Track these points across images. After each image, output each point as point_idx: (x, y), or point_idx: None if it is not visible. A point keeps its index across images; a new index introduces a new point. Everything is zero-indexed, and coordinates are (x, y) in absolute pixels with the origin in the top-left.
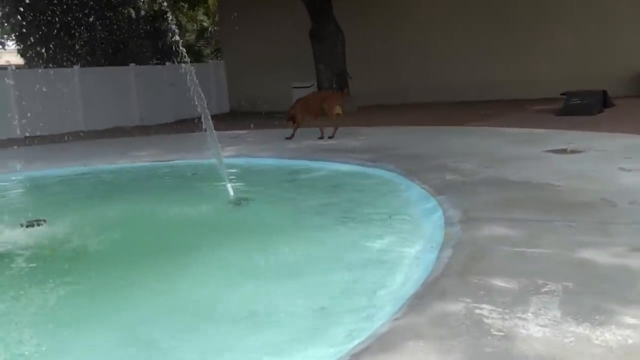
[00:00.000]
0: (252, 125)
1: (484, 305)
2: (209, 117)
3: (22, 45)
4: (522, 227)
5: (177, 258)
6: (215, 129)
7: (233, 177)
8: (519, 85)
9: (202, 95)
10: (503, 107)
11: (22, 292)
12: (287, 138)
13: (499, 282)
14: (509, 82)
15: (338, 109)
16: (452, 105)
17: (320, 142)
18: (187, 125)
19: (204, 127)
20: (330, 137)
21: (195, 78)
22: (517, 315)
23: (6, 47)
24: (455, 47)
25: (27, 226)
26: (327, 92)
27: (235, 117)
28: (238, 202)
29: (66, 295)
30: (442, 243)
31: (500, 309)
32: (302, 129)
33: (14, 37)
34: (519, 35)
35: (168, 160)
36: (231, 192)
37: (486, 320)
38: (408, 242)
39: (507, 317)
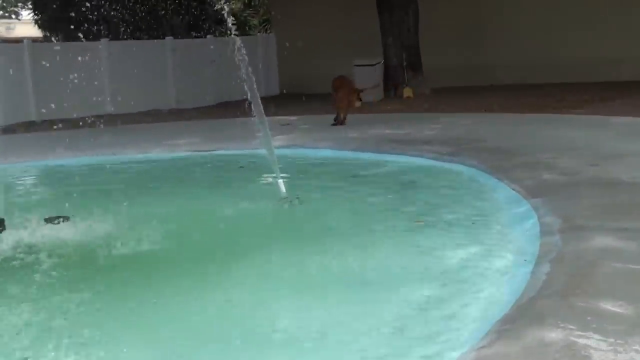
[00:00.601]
0: (306, 110)
1: (592, 335)
2: (259, 100)
3: (39, 15)
4: (637, 240)
5: (221, 264)
6: (264, 114)
7: (285, 171)
8: (632, 64)
9: (250, 73)
10: (610, 90)
11: (36, 302)
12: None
13: (609, 307)
14: (619, 60)
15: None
16: (546, 87)
17: (388, 131)
18: (231, 109)
19: (251, 111)
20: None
21: (243, 53)
22: (634, 347)
23: (20, 17)
24: (553, 16)
25: (48, 222)
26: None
27: (287, 100)
28: (291, 200)
29: (93, 304)
30: (538, 256)
31: (611, 339)
32: (367, 115)
33: (30, 6)
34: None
35: (209, 150)
36: (283, 189)
37: (594, 353)
38: (495, 253)
39: (621, 349)
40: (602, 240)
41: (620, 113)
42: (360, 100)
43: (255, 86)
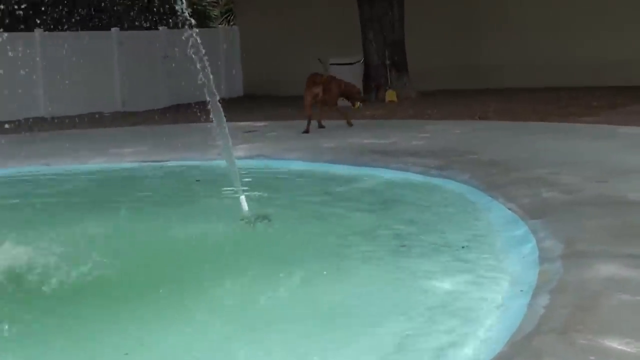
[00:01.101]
0: (273, 115)
1: None
2: (219, 103)
3: None
4: None
5: (169, 297)
6: (226, 120)
7: (249, 185)
8: None
9: (209, 72)
10: (619, 96)
11: None
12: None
13: (615, 344)
14: (630, 62)
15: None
16: (548, 92)
17: (369, 141)
18: (186, 113)
19: (210, 116)
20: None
21: (200, 48)
22: None
23: None
24: (557, 13)
25: None
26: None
27: (252, 103)
28: (255, 220)
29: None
30: (536, 286)
31: None
32: (344, 121)
33: None
34: None
35: (161, 161)
36: (245, 207)
37: None
38: (488, 282)
39: None
40: (608, 268)
41: (631, 122)
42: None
43: (214, 87)
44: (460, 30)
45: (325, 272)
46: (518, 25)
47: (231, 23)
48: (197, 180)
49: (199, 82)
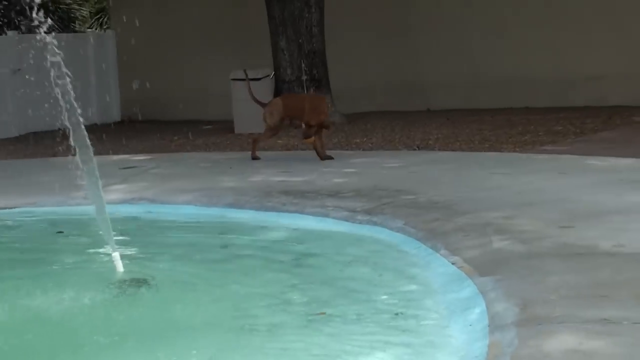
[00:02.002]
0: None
1: None
2: (84, 131)
3: None
4: (622, 335)
5: None
6: (96, 153)
7: (126, 238)
8: (620, 83)
9: (73, 91)
10: (588, 118)
11: None
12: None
13: None
14: (601, 78)
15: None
16: (501, 114)
17: (279, 178)
18: (43, 144)
19: (73, 147)
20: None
21: (61, 60)
22: None
23: None
24: (513, 20)
25: None
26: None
27: (132, 131)
28: (131, 285)
29: None
30: None
31: None
32: (248, 153)
33: None
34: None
35: (8, 207)
36: (120, 267)
37: None
38: (424, 359)
39: None
40: (573, 338)
41: (602, 152)
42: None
43: (81, 110)
44: (396, 39)
45: (220, 352)
46: (465, 34)
47: (104, 26)
48: (58, 232)
49: (62, 104)
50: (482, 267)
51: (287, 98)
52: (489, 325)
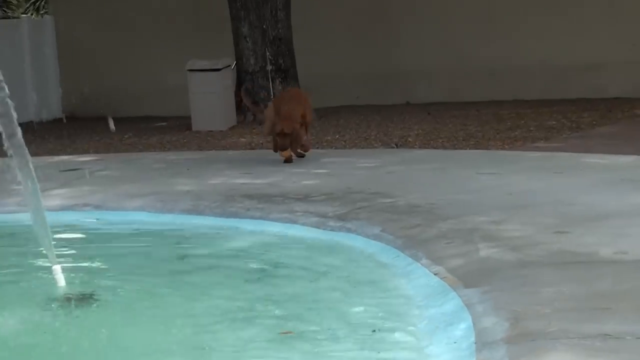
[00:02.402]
0: (106, 144)
1: None
2: (17, 130)
3: None
4: (625, 352)
5: None
6: (32, 154)
7: (68, 249)
8: (620, 73)
9: (5, 84)
10: (584, 112)
11: None
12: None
13: None
14: (598, 67)
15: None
16: (488, 108)
17: (242, 181)
18: None
19: (5, 148)
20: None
21: None
22: None
23: None
24: (500, 5)
25: None
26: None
27: (75, 128)
28: (73, 302)
29: None
30: None
31: None
32: (208, 153)
33: None
34: None
35: None
36: (61, 282)
37: None
38: None
39: None
40: (572, 355)
41: (601, 149)
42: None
43: (15, 105)
44: (372, 25)
45: None
46: (449, 20)
47: (41, 11)
48: None
49: None
50: (467, 278)
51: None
52: (475, 343)
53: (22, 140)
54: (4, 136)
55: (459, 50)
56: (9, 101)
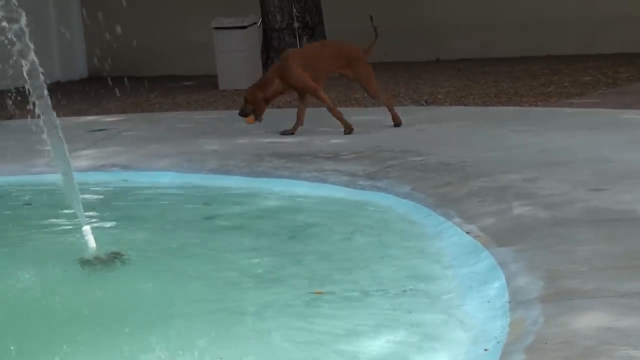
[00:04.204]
0: (132, 104)
1: None
2: (45, 90)
3: None
4: None
5: None
6: (59, 114)
7: (96, 210)
8: None
9: (30, 43)
10: (621, 67)
11: None
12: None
13: None
14: (637, 20)
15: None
16: (520, 63)
17: (269, 140)
18: None
19: (35, 109)
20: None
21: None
22: None
23: None
24: None
25: None
26: (347, 44)
27: (101, 89)
28: (103, 262)
29: None
30: (507, 343)
31: None
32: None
33: None
34: None
35: None
36: (91, 242)
37: None
38: (438, 340)
39: None
40: (605, 315)
41: (638, 105)
42: None
43: (38, 65)
44: None
45: (203, 339)
46: None
47: None
48: (26, 205)
49: (16, 59)
50: (500, 237)
51: None
52: (509, 302)
53: (49, 101)
54: (32, 97)
55: (490, 4)
56: (36, 61)
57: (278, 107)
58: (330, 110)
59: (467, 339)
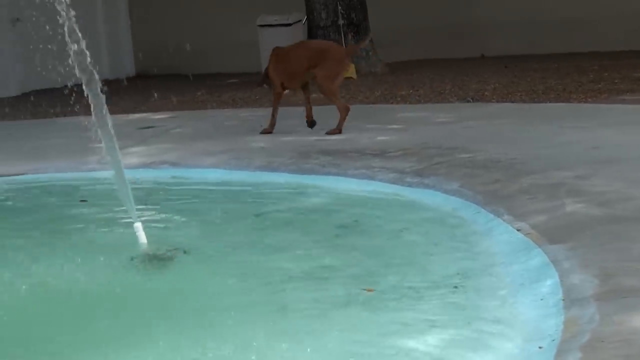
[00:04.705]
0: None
1: None
2: (98, 87)
3: None
4: None
5: None
6: (110, 112)
7: (146, 207)
8: None
9: (83, 41)
10: None
11: None
12: (263, 131)
13: None
14: None
15: (349, 71)
16: (568, 60)
17: (316, 137)
18: (50, 102)
19: (87, 106)
20: (332, 132)
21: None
22: None
23: None
24: None
25: None
26: (326, 42)
27: (149, 86)
28: (155, 258)
29: None
30: (561, 341)
31: None
32: (283, 110)
33: None
34: None
35: (12, 174)
36: (142, 239)
37: None
38: (492, 338)
39: None
40: None
41: None
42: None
43: (92, 64)
44: None
45: (255, 335)
46: None
47: None
48: (82, 201)
49: (67, 56)
50: (552, 234)
51: None
52: (563, 300)
53: (103, 99)
54: (85, 95)
55: (537, 0)
56: (89, 58)
57: (320, 105)
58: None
59: (520, 336)
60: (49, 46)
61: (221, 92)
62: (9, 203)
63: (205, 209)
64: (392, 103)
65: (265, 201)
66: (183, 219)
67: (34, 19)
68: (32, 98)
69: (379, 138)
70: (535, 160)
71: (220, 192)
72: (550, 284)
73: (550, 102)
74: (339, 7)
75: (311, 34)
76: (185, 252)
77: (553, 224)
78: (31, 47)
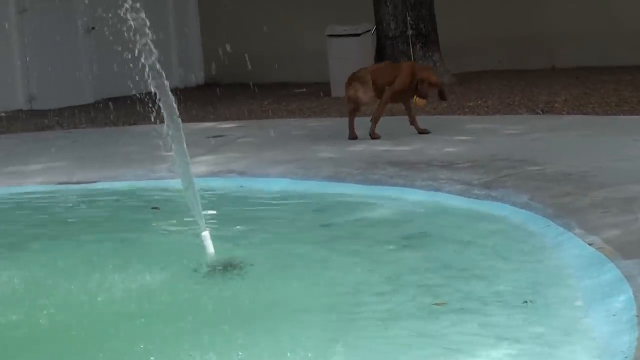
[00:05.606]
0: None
1: None
2: (170, 96)
3: None
4: None
5: None
6: (181, 119)
7: (214, 215)
8: None
9: (155, 51)
10: None
11: None
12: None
13: None
14: None
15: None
16: None
17: (384, 148)
18: (122, 111)
19: (158, 115)
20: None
21: (141, 17)
22: None
23: None
24: None
25: None
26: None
27: (217, 95)
28: (221, 266)
29: None
30: (634, 358)
31: None
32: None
33: None
34: None
35: (83, 182)
36: (210, 247)
37: None
38: (560, 353)
39: None
40: None
41: None
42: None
43: (163, 73)
44: None
45: (323, 347)
46: None
47: None
48: (153, 208)
49: (140, 66)
50: (626, 249)
51: None
52: (637, 316)
53: (174, 107)
54: (161, 104)
55: (609, 11)
56: (159, 68)
57: (392, 114)
58: None
59: (592, 353)
60: (123, 55)
61: (288, 102)
62: (82, 209)
63: (271, 218)
64: (459, 114)
65: (332, 212)
66: (250, 228)
67: (107, 28)
68: (110, 105)
69: (447, 149)
70: (608, 173)
71: (287, 201)
72: (623, 299)
73: (623, 114)
74: (408, 18)
75: (380, 44)
76: (251, 261)
77: (627, 238)
78: (105, 56)
